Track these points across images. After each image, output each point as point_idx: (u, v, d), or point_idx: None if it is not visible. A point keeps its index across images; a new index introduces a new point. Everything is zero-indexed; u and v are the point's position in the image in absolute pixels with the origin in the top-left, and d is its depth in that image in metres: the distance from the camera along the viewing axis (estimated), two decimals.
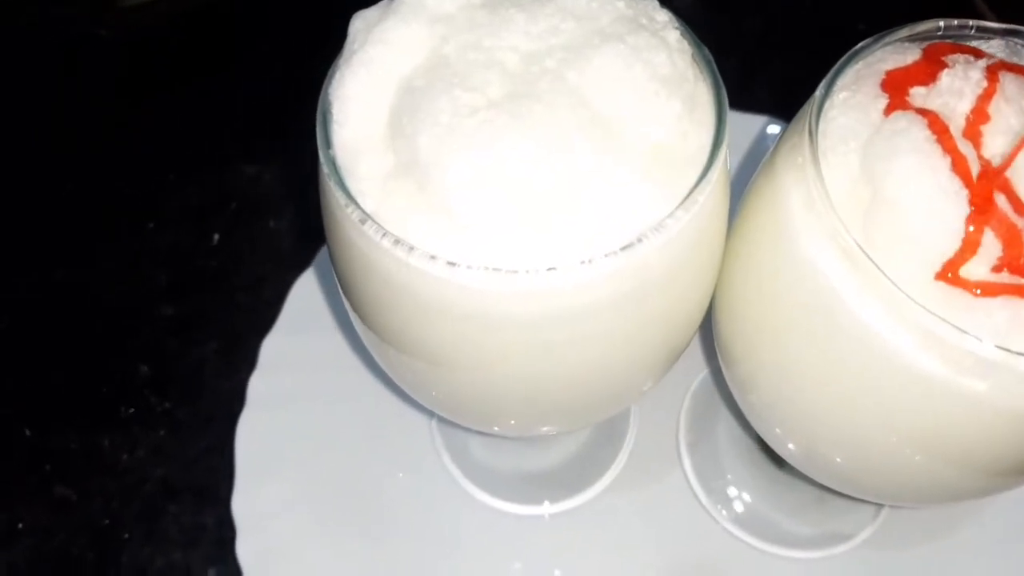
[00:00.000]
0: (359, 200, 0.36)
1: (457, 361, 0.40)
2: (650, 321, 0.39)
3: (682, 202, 0.36)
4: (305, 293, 0.65)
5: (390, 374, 0.48)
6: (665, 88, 0.37)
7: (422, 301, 0.37)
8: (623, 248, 0.34)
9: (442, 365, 0.40)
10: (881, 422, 0.39)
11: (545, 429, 0.50)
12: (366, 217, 0.36)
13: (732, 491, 0.62)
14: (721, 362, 0.49)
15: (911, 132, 0.35)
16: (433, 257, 0.35)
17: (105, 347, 0.69)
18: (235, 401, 0.66)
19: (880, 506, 0.62)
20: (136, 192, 0.75)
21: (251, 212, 0.74)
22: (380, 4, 0.40)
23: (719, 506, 0.61)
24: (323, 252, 0.67)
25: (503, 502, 0.61)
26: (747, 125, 0.72)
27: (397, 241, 0.35)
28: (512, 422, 0.48)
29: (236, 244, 0.73)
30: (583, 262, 0.34)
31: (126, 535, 0.62)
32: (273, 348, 0.63)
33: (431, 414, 0.64)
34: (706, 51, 0.40)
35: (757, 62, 0.83)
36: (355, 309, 0.43)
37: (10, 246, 0.73)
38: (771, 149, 0.44)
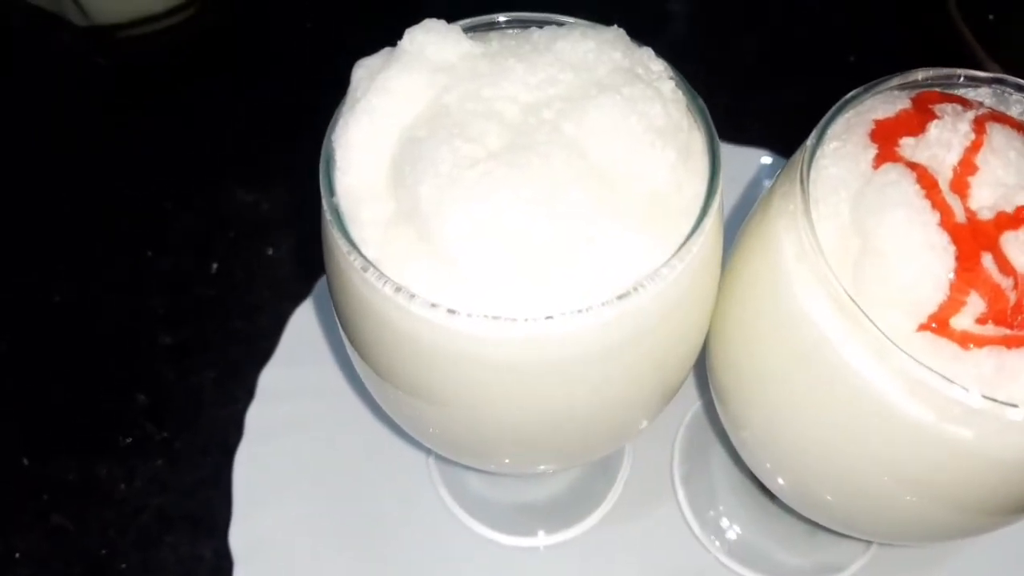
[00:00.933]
0: (361, 247, 0.37)
1: (455, 402, 0.41)
2: (646, 365, 0.40)
3: (677, 251, 0.36)
4: (303, 324, 0.66)
5: (387, 410, 0.48)
6: (660, 139, 0.38)
7: (422, 346, 0.37)
8: (619, 297, 0.35)
9: (440, 405, 0.41)
10: (870, 465, 0.40)
11: (541, 468, 0.51)
12: (368, 264, 0.36)
13: (725, 522, 0.63)
14: (715, 398, 0.50)
15: (900, 185, 0.36)
16: (434, 305, 0.35)
17: (103, 375, 0.69)
18: (231, 431, 0.66)
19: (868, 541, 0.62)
20: (134, 220, 0.76)
21: (249, 240, 0.75)
22: (382, 52, 0.41)
23: (712, 537, 0.62)
24: (321, 283, 0.68)
25: (498, 533, 0.62)
26: (741, 157, 0.72)
27: (398, 288, 0.36)
28: (507, 461, 0.49)
29: (234, 272, 0.73)
30: (580, 311, 0.35)
31: (123, 565, 0.62)
32: (271, 379, 0.64)
33: (428, 448, 0.64)
34: (700, 101, 0.41)
35: (749, 91, 0.84)
36: (354, 347, 0.44)
37: (8, 272, 0.74)
38: (763, 195, 0.45)
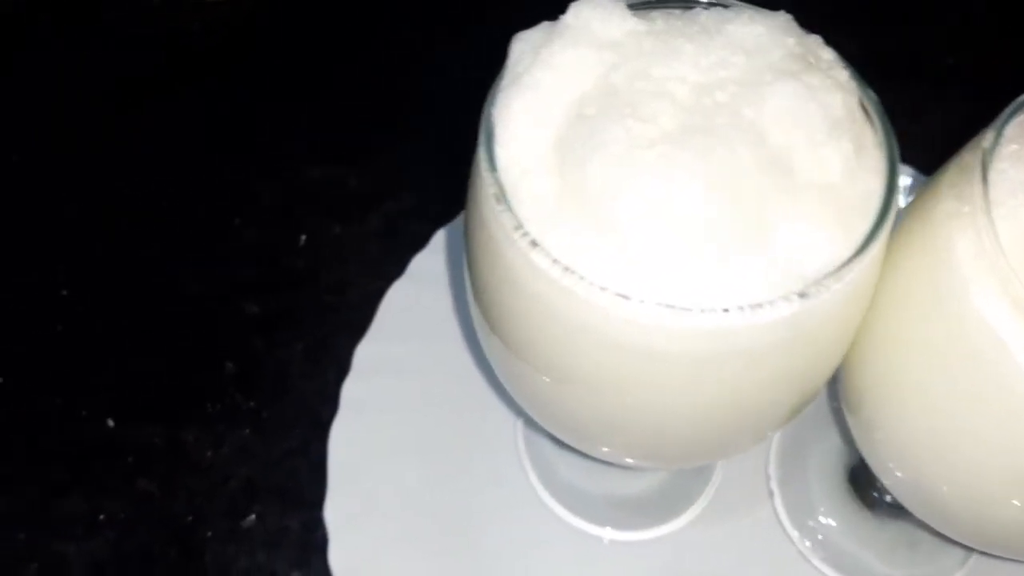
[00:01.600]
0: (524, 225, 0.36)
1: (601, 388, 0.39)
2: (808, 366, 0.38)
3: (859, 249, 0.35)
4: (398, 301, 0.65)
5: (511, 389, 0.47)
6: (838, 129, 0.36)
7: (583, 330, 0.36)
8: (800, 295, 0.34)
9: (585, 390, 0.40)
10: None
11: (659, 464, 0.49)
12: (535, 244, 0.35)
13: (822, 529, 0.61)
14: (844, 399, 0.49)
15: None
16: (603, 289, 0.34)
17: (189, 342, 0.68)
18: (319, 404, 0.66)
19: (969, 552, 0.61)
20: (222, 189, 0.75)
21: (337, 214, 0.74)
22: (542, 26, 0.40)
23: (808, 542, 0.60)
24: (417, 260, 0.67)
25: (588, 524, 0.61)
26: None
27: (567, 270, 0.35)
28: (633, 451, 0.48)
29: (322, 245, 0.72)
30: (760, 305, 0.34)
31: (209, 533, 0.61)
32: (366, 354, 0.63)
33: (517, 431, 0.64)
34: (871, 92, 0.39)
35: None
36: (495, 329, 0.42)
37: (95, 236, 0.73)
38: (916, 197, 0.43)
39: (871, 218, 0.36)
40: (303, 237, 0.73)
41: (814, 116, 0.36)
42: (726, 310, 0.34)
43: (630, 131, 0.36)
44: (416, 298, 0.65)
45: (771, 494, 0.62)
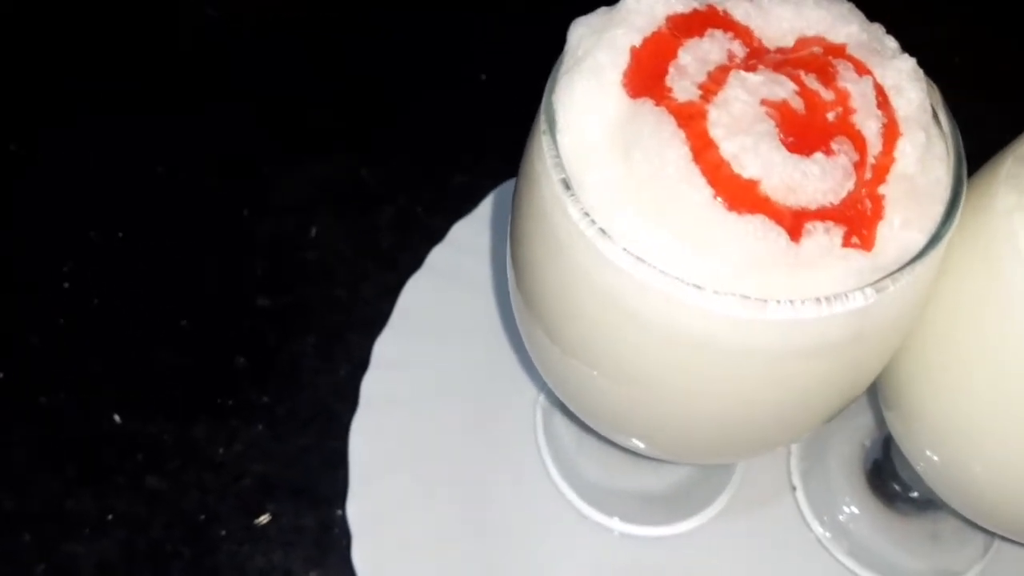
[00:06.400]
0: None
1: (659, 383, 0.39)
2: (870, 360, 0.38)
3: (933, 238, 0.35)
4: (416, 295, 0.64)
5: (554, 384, 0.47)
6: (912, 119, 0.36)
7: (649, 323, 0.35)
8: (875, 287, 0.33)
9: (641, 385, 0.39)
10: None
11: (697, 459, 0.49)
12: (604, 232, 0.34)
13: (846, 521, 0.61)
14: (880, 394, 0.49)
15: None
16: (677, 279, 0.33)
17: (199, 335, 0.66)
18: (334, 400, 0.64)
19: (989, 543, 0.61)
20: (232, 180, 0.73)
21: (350, 207, 0.72)
22: (600, 11, 0.39)
23: (831, 534, 0.60)
24: (434, 253, 0.65)
25: (611, 519, 0.60)
26: None
27: (638, 259, 0.34)
28: (674, 445, 0.47)
29: (335, 238, 0.71)
30: (833, 297, 0.33)
31: (223, 532, 0.60)
32: (385, 348, 0.61)
33: (535, 423, 0.63)
34: (932, 83, 0.39)
35: None
36: (545, 324, 0.41)
37: (103, 226, 0.71)
38: (973, 179, 0.43)
39: (941, 207, 0.36)
40: (314, 229, 0.71)
41: (892, 107, 0.36)
42: (804, 301, 0.33)
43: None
44: (434, 292, 0.64)
45: (793, 488, 0.62)
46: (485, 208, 0.67)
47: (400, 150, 0.75)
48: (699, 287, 0.33)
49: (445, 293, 0.64)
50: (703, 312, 0.34)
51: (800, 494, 0.62)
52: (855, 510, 0.62)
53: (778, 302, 0.33)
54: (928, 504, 0.61)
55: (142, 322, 0.67)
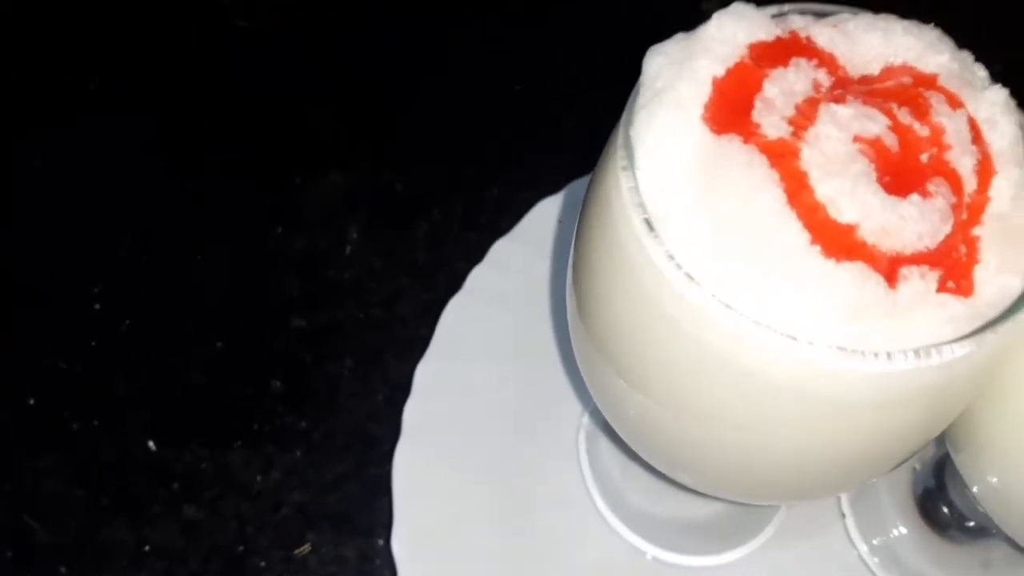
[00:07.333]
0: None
1: (735, 427, 0.37)
2: (954, 408, 0.36)
3: None
4: (457, 318, 0.62)
5: (610, 415, 0.45)
6: (1008, 152, 0.34)
7: (735, 372, 0.34)
8: (974, 338, 0.32)
9: (718, 431, 0.38)
10: None
11: (752, 499, 0.47)
12: (691, 278, 0.33)
13: (896, 546, 0.60)
14: (948, 437, 0.47)
15: None
16: (769, 328, 0.32)
17: (233, 358, 0.65)
18: (372, 424, 0.63)
19: None
20: (262, 195, 0.71)
21: (384, 223, 0.71)
22: (677, 38, 0.37)
23: (879, 561, 0.59)
24: (475, 274, 0.64)
25: (657, 548, 0.59)
26: None
27: (727, 307, 0.32)
28: (728, 485, 0.45)
29: (369, 255, 0.69)
30: (929, 350, 0.31)
31: (262, 563, 0.58)
32: (427, 374, 0.60)
33: (579, 453, 0.61)
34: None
35: None
36: (607, 354, 0.40)
37: (134, 246, 0.69)
38: None
39: None
40: (348, 248, 0.69)
41: (986, 142, 0.34)
42: (901, 353, 0.31)
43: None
44: (475, 315, 0.63)
45: (842, 515, 0.61)
46: (525, 227, 0.66)
47: (432, 162, 0.73)
48: (793, 338, 0.32)
49: (486, 316, 0.63)
50: (795, 363, 0.32)
51: (850, 521, 0.61)
52: (905, 535, 0.60)
53: (876, 355, 0.31)
54: (980, 532, 0.59)
55: (174, 345, 0.65)
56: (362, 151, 0.74)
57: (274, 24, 0.79)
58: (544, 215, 0.67)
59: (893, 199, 0.32)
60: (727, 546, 0.59)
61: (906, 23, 0.37)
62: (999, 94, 0.36)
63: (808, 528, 0.60)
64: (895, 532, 0.60)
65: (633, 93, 0.37)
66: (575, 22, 0.81)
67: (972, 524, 0.59)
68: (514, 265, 0.64)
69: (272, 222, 0.70)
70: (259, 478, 0.61)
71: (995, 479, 0.46)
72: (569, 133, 0.74)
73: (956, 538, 0.60)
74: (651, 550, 0.59)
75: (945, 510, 0.60)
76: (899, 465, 0.42)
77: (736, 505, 0.61)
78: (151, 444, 0.61)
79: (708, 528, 0.60)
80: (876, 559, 0.59)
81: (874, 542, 0.60)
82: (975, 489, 0.48)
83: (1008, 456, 0.44)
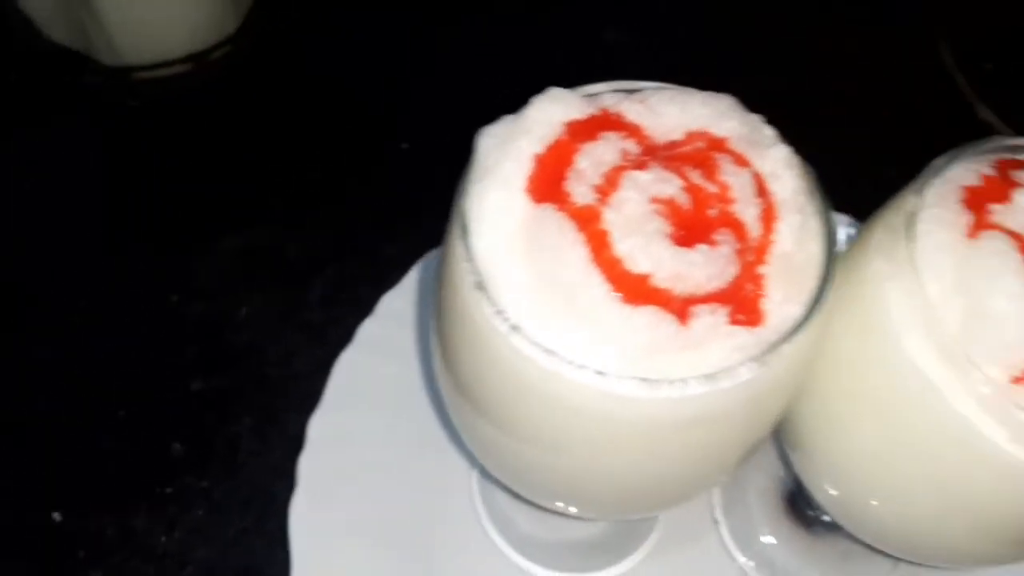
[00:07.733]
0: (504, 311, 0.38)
1: (575, 453, 0.42)
2: (762, 421, 0.42)
3: (813, 306, 0.39)
4: (348, 370, 0.66)
5: (483, 459, 0.49)
6: (789, 202, 0.41)
7: (559, 405, 0.39)
8: (758, 361, 0.37)
9: (559, 456, 0.43)
10: (961, 503, 0.44)
11: (615, 516, 0.52)
12: (516, 328, 0.37)
13: (766, 549, 0.65)
14: (784, 440, 0.53)
15: (1007, 255, 0.40)
16: (582, 367, 0.37)
17: (134, 424, 0.67)
18: (272, 479, 0.65)
19: (896, 563, 0.66)
20: (158, 264, 0.74)
21: (277, 283, 0.74)
22: (504, 120, 0.42)
23: (754, 563, 0.65)
24: (364, 327, 0.68)
25: (544, 569, 0.63)
26: None
27: (547, 351, 0.37)
28: (594, 506, 0.50)
29: (264, 317, 0.73)
30: (718, 374, 0.37)
31: None
32: (320, 426, 0.63)
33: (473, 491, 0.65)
34: (808, 166, 0.44)
35: None
36: (471, 405, 0.44)
37: (33, 322, 0.71)
38: (847, 253, 0.47)
39: (816, 281, 0.40)
40: (244, 310, 0.72)
41: (770, 192, 0.40)
42: (696, 379, 0.37)
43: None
44: (366, 366, 0.66)
45: (716, 522, 0.66)
46: (411, 279, 0.70)
47: (323, 223, 0.77)
48: (602, 373, 0.37)
49: (376, 367, 0.66)
50: (607, 395, 0.37)
51: (723, 528, 0.66)
52: (774, 537, 0.66)
53: (671, 382, 0.37)
54: (839, 527, 0.65)
55: (76, 415, 0.67)
56: (257, 214, 0.77)
57: (162, 98, 0.82)
58: (430, 268, 0.71)
59: (683, 250, 0.38)
60: (611, 560, 0.64)
61: (704, 95, 0.43)
62: (782, 151, 0.42)
63: (686, 538, 0.65)
64: (765, 532, 0.66)
65: (466, 170, 0.42)
66: (457, 82, 0.87)
67: (828, 519, 0.65)
68: (403, 316, 0.69)
69: (168, 292, 0.73)
70: (163, 539, 0.63)
71: (834, 492, 0.52)
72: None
73: (820, 533, 0.66)
74: (542, 573, 0.63)
75: (808, 510, 0.66)
76: (735, 469, 0.48)
77: (613, 523, 0.66)
78: (56, 515, 0.63)
79: (592, 546, 0.65)
80: (750, 562, 0.65)
81: (746, 544, 0.65)
82: (820, 499, 0.54)
83: (836, 470, 0.50)
